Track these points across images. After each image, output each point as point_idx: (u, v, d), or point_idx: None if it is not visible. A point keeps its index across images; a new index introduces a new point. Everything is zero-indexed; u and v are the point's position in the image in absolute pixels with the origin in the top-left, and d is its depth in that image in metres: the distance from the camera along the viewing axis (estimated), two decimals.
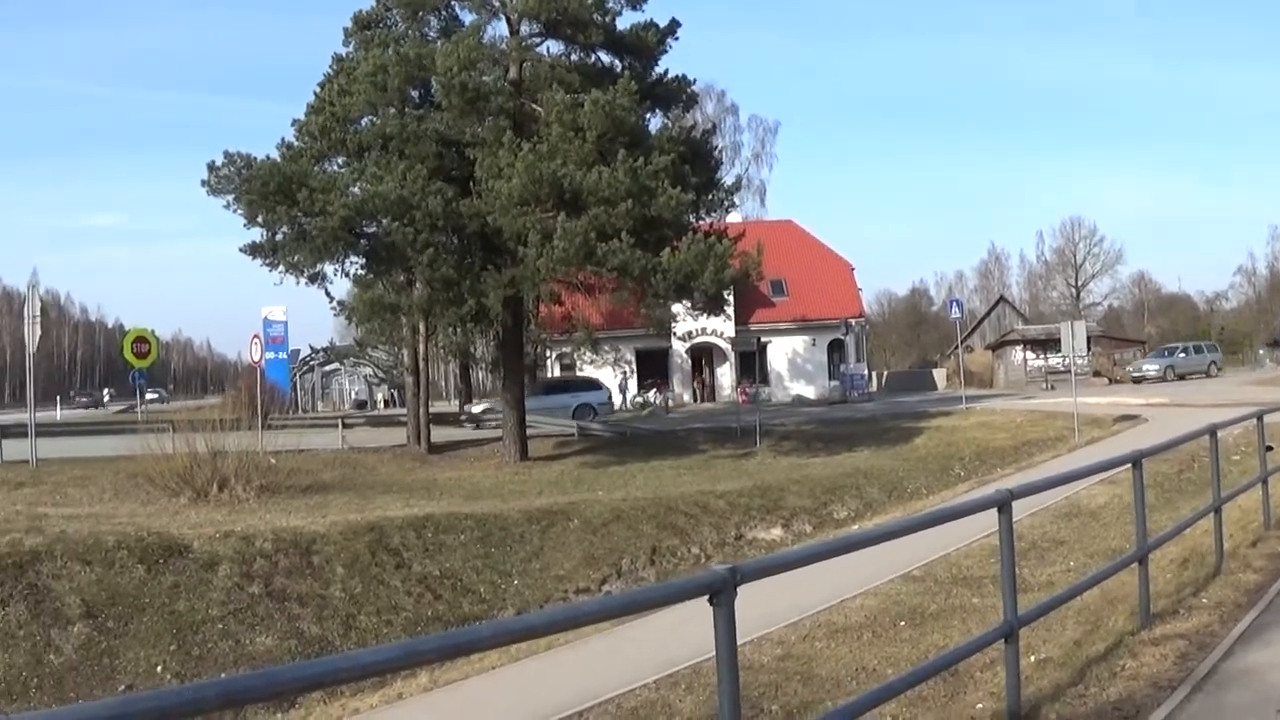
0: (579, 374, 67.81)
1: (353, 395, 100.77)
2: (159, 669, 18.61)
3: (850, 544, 7.71)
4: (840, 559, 7.45)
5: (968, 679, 10.54)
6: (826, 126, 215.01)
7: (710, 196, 40.54)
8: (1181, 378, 75.48)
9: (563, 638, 14.40)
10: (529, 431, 43.89)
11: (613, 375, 69.47)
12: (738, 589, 5.54)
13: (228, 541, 22.39)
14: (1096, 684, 9.86)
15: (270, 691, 4.27)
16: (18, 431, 40.29)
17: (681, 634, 12.16)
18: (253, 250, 39.40)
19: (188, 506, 28.95)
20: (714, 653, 5.65)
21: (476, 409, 58.81)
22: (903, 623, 14.04)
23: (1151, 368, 78.11)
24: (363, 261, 41.77)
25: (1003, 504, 8.75)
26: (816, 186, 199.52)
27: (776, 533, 28.74)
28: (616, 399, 67.91)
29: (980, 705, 9.87)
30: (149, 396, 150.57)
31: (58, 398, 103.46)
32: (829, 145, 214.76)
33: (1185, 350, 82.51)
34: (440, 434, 47.42)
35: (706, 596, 5.52)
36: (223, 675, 18.59)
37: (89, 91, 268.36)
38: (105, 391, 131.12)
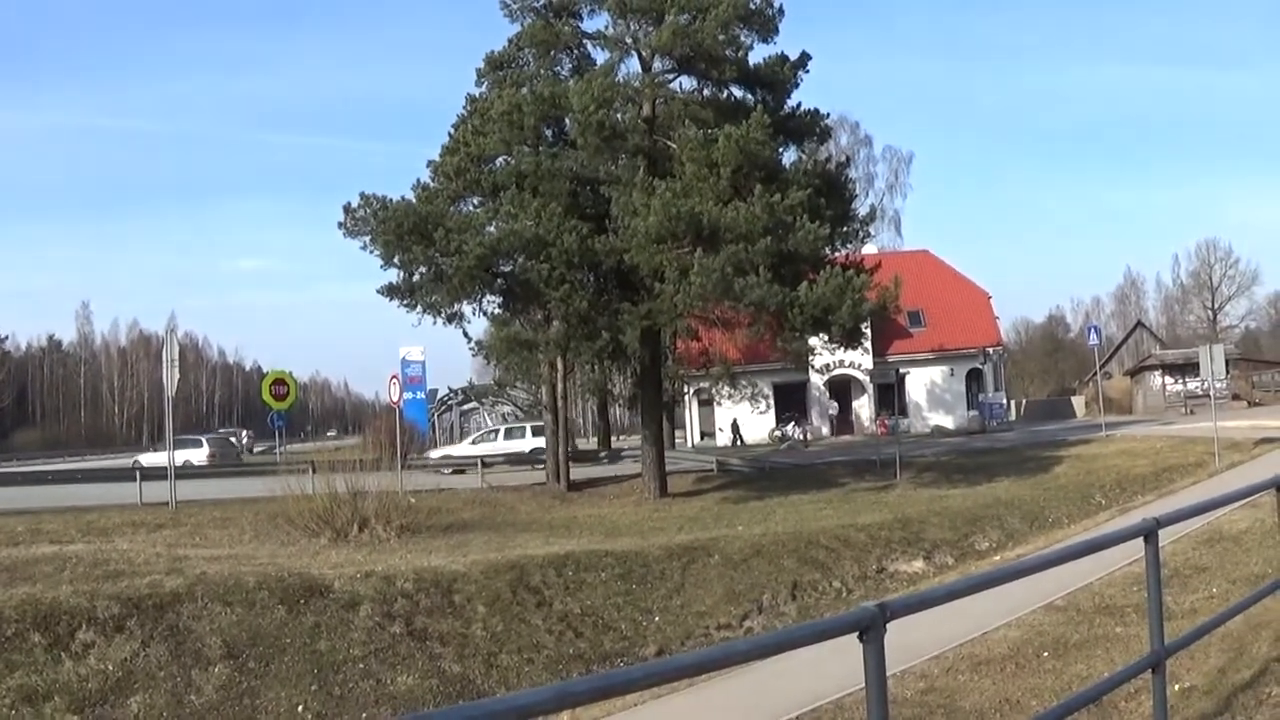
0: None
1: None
2: (300, 709, 18.71)
3: (996, 578, 7.64)
4: (983, 591, 7.44)
5: (1111, 708, 10.43)
6: (959, 155, 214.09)
7: (845, 229, 40.35)
8: None
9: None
10: (668, 467, 43.95)
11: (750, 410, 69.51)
12: (887, 626, 5.56)
13: (369, 581, 22.47)
14: (1243, 712, 9.77)
15: None
16: (157, 474, 40.88)
17: (825, 668, 12.14)
18: (390, 291, 39.82)
19: (328, 547, 29.06)
20: (857, 687, 5.67)
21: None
22: (1046, 653, 13.91)
23: None
24: (499, 300, 42.24)
25: (1149, 533, 8.57)
26: (951, 215, 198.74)
27: (918, 565, 28.56)
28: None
29: None
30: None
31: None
32: (962, 174, 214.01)
33: None
34: (579, 471, 47.59)
35: (856, 634, 5.53)
36: (364, 717, 18.83)
37: (221, 135, 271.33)
38: (244, 433, 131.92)
